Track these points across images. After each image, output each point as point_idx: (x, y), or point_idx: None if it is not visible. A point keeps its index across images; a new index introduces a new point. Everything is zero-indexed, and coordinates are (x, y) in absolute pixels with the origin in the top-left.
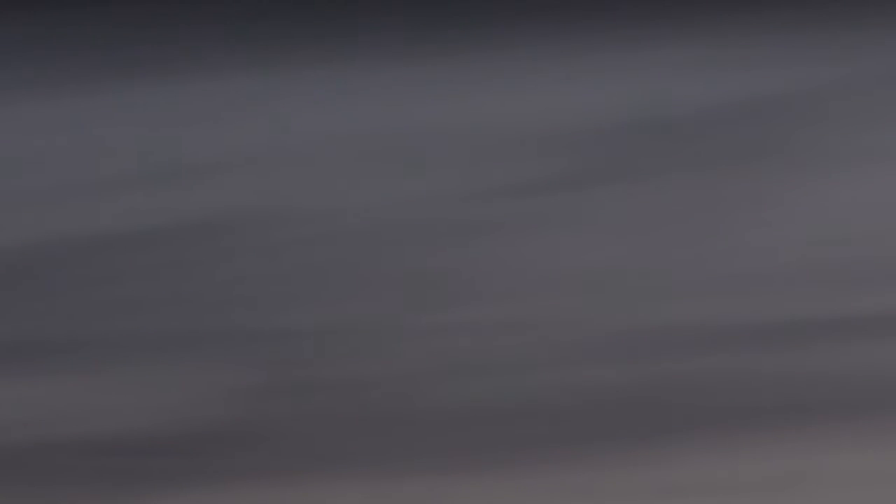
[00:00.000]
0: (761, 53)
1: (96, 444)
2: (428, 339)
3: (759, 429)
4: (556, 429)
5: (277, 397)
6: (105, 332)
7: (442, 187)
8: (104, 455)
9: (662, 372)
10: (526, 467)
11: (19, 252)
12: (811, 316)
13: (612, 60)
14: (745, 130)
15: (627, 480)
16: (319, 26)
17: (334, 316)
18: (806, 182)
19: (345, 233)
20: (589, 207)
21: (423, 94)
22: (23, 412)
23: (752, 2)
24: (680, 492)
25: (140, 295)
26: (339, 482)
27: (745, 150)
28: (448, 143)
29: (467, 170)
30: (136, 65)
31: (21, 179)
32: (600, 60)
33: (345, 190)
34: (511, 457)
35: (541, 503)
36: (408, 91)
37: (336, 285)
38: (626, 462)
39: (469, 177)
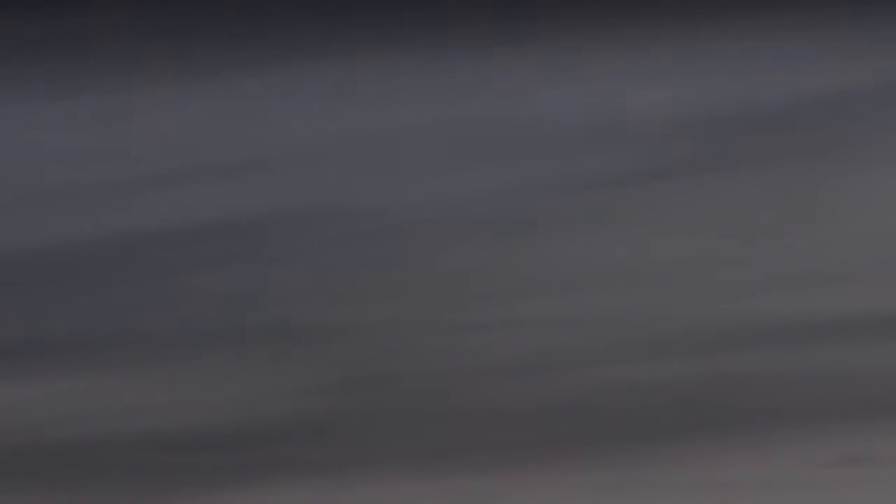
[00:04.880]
0: (845, 48)
1: (156, 440)
2: (488, 334)
3: (814, 425)
4: (611, 425)
5: (335, 394)
6: (159, 328)
7: (513, 181)
8: (166, 451)
9: (717, 369)
10: (583, 463)
11: (80, 247)
12: (882, 311)
13: (695, 55)
14: (827, 125)
15: (676, 477)
16: (371, 22)
17: (392, 312)
18: (890, 176)
19: (403, 228)
20: (661, 201)
21: (499, 88)
22: (85, 407)
23: None
24: (730, 488)
25: (192, 290)
26: (394, 478)
27: (826, 144)
28: (522, 137)
29: (542, 163)
30: (191, 60)
31: (73, 175)
32: (683, 55)
33: (404, 186)
34: (571, 453)
35: (595, 499)
36: (481, 84)
37: (393, 281)
38: (675, 458)
39: (544, 170)
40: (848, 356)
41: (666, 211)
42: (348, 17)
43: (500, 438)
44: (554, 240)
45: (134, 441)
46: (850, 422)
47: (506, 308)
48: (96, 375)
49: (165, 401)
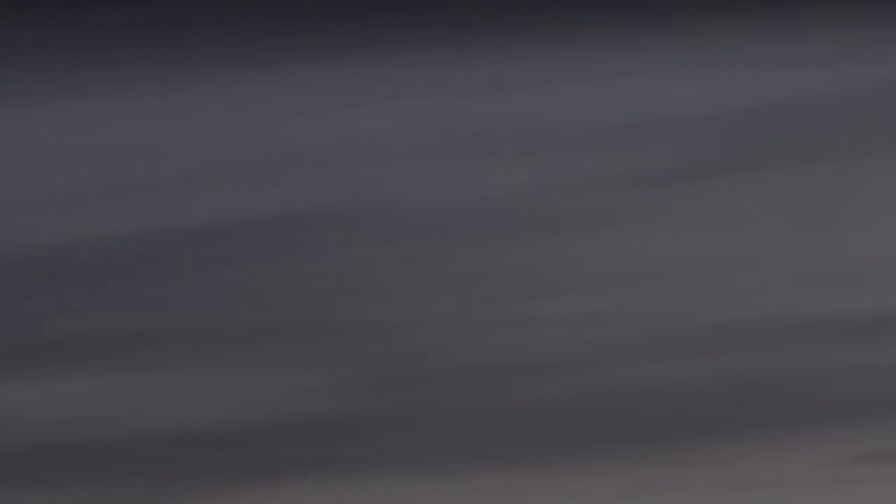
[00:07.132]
0: (872, 45)
1: (181, 437)
2: (514, 333)
3: (837, 423)
4: (636, 424)
5: (362, 391)
6: (185, 325)
7: (539, 180)
8: (190, 448)
9: (742, 368)
10: (612, 462)
11: (104, 245)
12: None
13: (727, 52)
14: (852, 124)
15: (699, 475)
16: (416, 20)
17: (418, 310)
18: None
19: (430, 226)
20: (685, 200)
21: (524, 86)
22: (109, 405)
23: None
24: (754, 486)
25: (218, 288)
26: (419, 476)
27: (850, 144)
28: (545, 135)
29: (568, 162)
30: (236, 56)
31: (95, 173)
32: (715, 52)
33: (430, 183)
34: (599, 452)
35: (619, 497)
36: (505, 82)
37: (420, 279)
38: (699, 457)
39: (571, 169)
40: (872, 354)
41: (690, 210)
42: (362, 15)
43: (525, 437)
44: (580, 238)
45: (158, 438)
46: (873, 419)
47: (532, 306)
48: (121, 373)
49: (190, 398)
